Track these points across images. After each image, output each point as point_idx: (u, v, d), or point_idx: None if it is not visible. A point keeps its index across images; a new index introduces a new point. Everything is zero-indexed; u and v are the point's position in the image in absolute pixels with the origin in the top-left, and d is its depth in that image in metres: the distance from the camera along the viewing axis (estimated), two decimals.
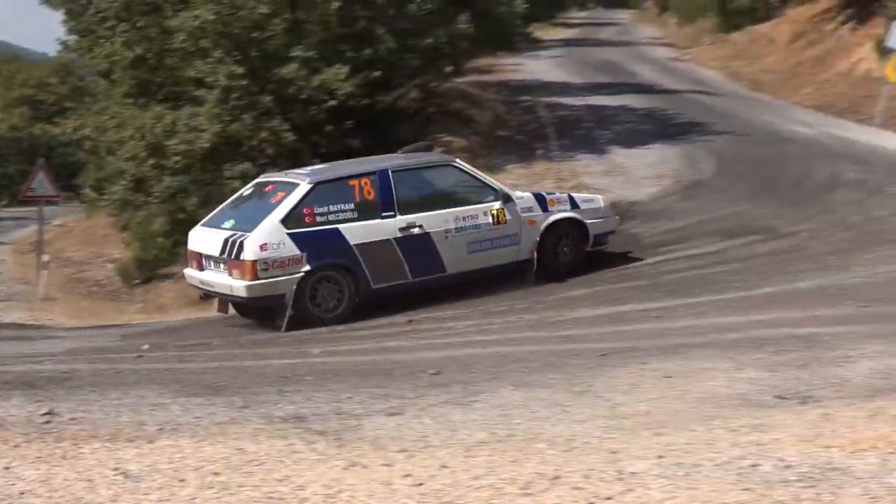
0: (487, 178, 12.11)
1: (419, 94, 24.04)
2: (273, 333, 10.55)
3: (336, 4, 19.09)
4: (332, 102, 17.94)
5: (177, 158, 17.70)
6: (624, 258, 12.28)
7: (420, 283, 11.48)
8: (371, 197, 11.24)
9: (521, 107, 26.03)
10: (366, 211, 11.24)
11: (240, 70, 17.89)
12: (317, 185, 11.25)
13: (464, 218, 11.59)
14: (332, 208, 11.11)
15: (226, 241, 11.03)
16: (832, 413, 5.49)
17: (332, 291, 11.01)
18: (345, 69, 18.09)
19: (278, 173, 12.93)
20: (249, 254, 10.74)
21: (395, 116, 20.97)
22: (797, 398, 5.99)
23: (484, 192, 11.84)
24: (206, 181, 17.74)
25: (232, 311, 11.56)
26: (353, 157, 13.72)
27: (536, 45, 38.37)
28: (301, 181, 11.33)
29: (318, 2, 19.25)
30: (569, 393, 6.48)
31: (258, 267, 10.73)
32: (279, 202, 11.12)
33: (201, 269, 11.46)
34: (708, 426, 5.31)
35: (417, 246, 11.42)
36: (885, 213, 13.22)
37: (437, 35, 20.54)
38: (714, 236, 12.83)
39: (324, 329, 10.40)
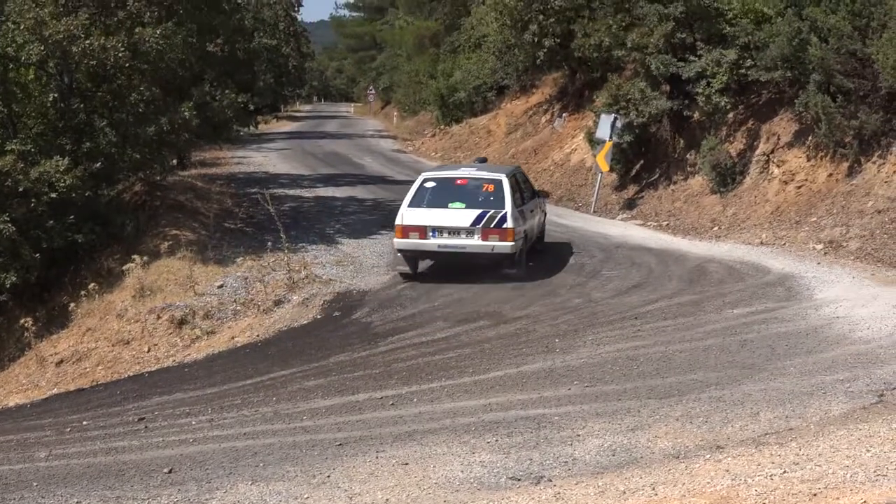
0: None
1: (144, 187, 23.93)
2: None
3: (52, 97, 18.90)
4: (53, 195, 17.54)
5: None
6: (357, 346, 12.16)
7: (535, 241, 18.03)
8: (516, 189, 16.79)
9: (249, 199, 25.19)
10: (517, 197, 16.68)
11: None
12: (509, 177, 16.73)
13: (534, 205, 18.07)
14: (515, 196, 16.48)
15: (480, 216, 15.84)
16: (563, 492, 5.63)
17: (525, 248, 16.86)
18: (64, 161, 17.80)
19: (448, 171, 17.56)
20: (510, 224, 15.79)
21: (120, 209, 20.62)
22: (530, 479, 6.08)
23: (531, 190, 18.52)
24: None
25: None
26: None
27: (263, 137, 38.21)
28: (499, 175, 16.53)
29: (33, 95, 18.99)
30: (307, 485, 6.41)
31: (515, 234, 15.90)
32: (499, 190, 16.13)
33: (424, 238, 15.96)
34: None
35: (538, 219, 18.17)
36: (603, 296, 13.78)
37: (159, 126, 20.33)
38: (445, 322, 12.96)
39: (50, 432, 9.86)
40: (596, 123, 22.50)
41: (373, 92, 68.32)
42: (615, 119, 21.87)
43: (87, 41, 18.83)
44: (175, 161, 27.20)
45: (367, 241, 18.84)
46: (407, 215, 16.39)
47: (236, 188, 26.65)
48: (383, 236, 18.95)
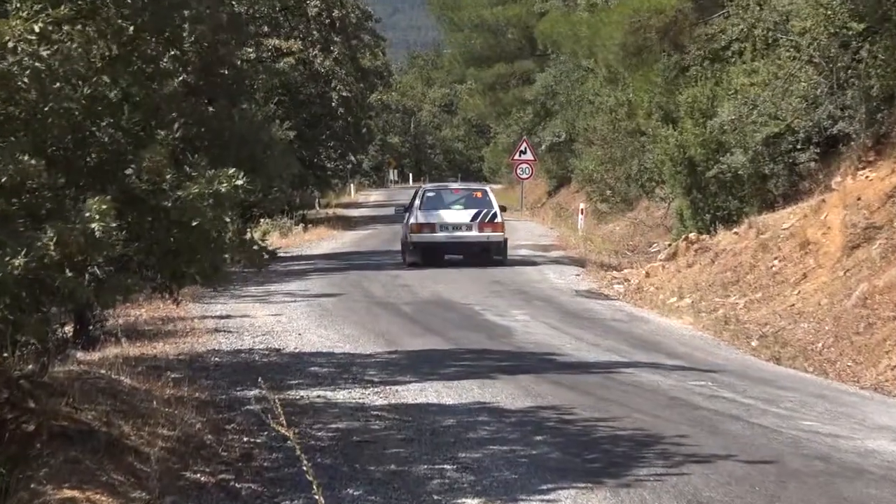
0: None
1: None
2: None
3: None
4: None
5: None
6: None
7: None
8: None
9: (244, 413, 14.62)
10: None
11: None
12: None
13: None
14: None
15: (476, 214, 26.57)
16: None
17: None
18: None
19: (439, 185, 32.84)
20: (499, 219, 26.74)
21: None
22: None
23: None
24: None
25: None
26: None
27: (277, 266, 29.63)
28: (483, 187, 29.86)
29: None
30: None
31: (503, 227, 26.92)
32: (485, 196, 27.41)
33: (434, 232, 26.65)
34: None
35: None
36: None
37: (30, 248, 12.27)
38: None
39: None
40: None
41: (526, 156, 48.47)
42: None
43: None
44: (70, 331, 17.13)
45: None
46: (420, 216, 26.58)
47: (213, 387, 15.50)
48: None
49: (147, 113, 12.21)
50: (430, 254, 27.09)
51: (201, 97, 14.28)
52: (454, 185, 30.85)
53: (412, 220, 26.75)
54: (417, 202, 27.20)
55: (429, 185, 30.90)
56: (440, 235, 26.65)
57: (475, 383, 16.10)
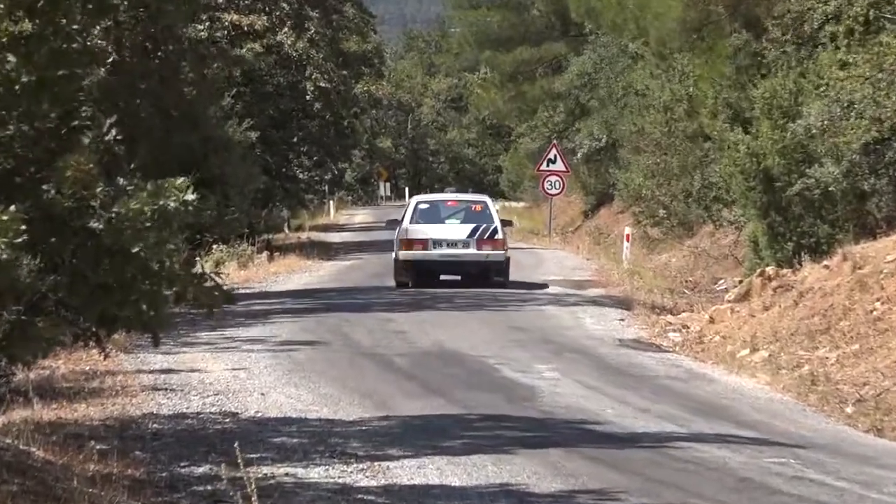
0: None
1: None
2: None
3: None
4: None
5: None
6: None
7: None
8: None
9: (192, 495, 17.08)
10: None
11: None
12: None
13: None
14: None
15: (474, 229, 29.71)
16: None
17: None
18: None
19: (436, 195, 38.55)
20: (501, 235, 29.99)
21: None
22: None
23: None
24: None
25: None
26: None
27: (235, 304, 31.60)
28: (484, 198, 33.67)
29: None
30: None
31: (506, 244, 30.44)
32: (485, 210, 30.95)
33: (427, 249, 29.75)
34: None
35: None
36: None
37: None
38: None
39: None
40: None
41: (556, 165, 51.27)
42: None
43: None
44: None
45: None
46: (411, 230, 29.77)
47: (150, 462, 17.44)
48: None
49: (70, 106, 12.79)
50: (422, 274, 30.29)
51: (139, 85, 15.03)
52: (451, 197, 34.12)
53: (402, 236, 30.06)
54: (409, 215, 30.62)
55: (422, 197, 35.37)
56: (434, 253, 29.85)
57: (489, 459, 16.62)
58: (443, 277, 31.91)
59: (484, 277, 30.49)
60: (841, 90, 26.10)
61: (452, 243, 30.21)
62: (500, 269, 30.28)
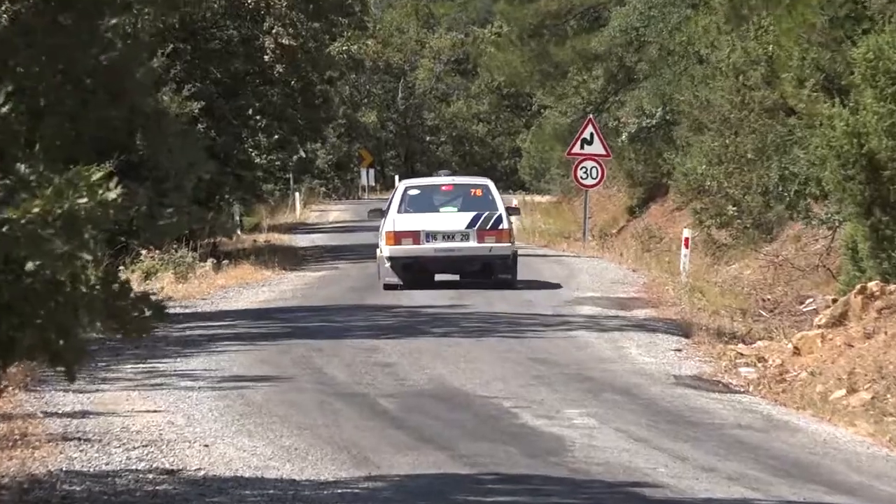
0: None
1: None
2: None
3: None
4: None
5: None
6: None
7: None
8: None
9: None
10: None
11: None
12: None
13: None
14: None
15: (474, 218, 31.80)
16: None
17: None
18: None
19: (428, 179, 41.72)
20: (506, 224, 32.41)
21: None
22: None
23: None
24: None
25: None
26: None
27: (172, 325, 31.75)
28: (485, 181, 35.79)
29: None
30: None
31: (512, 235, 33.51)
32: (486, 195, 33.15)
33: (418, 243, 31.45)
34: None
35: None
36: None
37: None
38: None
39: None
40: None
41: (593, 147, 51.39)
42: None
43: None
44: None
45: None
46: (399, 221, 31.16)
47: None
48: None
49: None
50: (413, 272, 31.60)
51: (44, 42, 15.43)
52: (445, 181, 35.16)
53: (388, 228, 31.34)
54: (396, 203, 32.05)
55: (412, 181, 36.72)
56: (427, 248, 31.16)
57: None
58: (438, 278, 32.43)
59: (487, 275, 31.60)
60: None
61: (449, 235, 31.43)
62: (506, 264, 31.28)
